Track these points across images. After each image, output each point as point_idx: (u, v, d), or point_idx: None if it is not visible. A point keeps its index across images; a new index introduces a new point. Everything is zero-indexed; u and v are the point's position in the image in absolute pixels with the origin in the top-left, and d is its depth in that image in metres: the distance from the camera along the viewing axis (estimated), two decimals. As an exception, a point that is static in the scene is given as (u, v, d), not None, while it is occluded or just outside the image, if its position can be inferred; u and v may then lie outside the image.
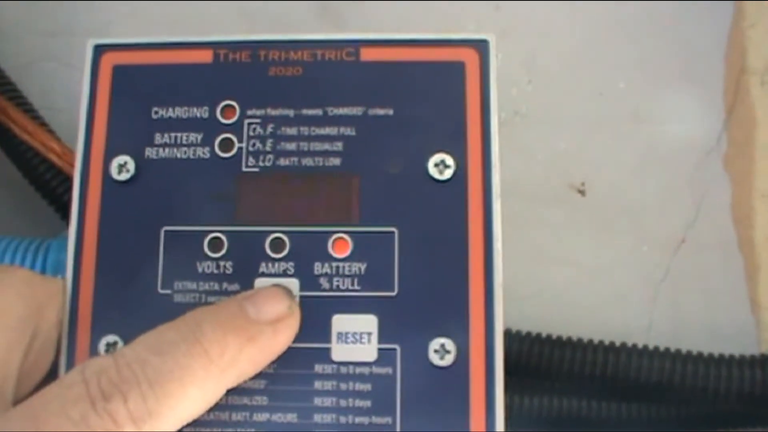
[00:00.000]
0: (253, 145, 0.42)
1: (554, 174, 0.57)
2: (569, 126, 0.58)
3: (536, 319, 0.52)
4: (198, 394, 0.36)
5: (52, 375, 0.40)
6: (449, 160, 0.41)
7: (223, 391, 0.37)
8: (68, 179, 0.51)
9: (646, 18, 0.59)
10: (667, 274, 0.56)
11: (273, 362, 0.40)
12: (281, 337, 0.39)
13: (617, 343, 0.50)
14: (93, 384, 0.34)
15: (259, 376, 0.40)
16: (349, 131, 0.42)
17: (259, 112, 0.43)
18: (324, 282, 0.41)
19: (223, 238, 0.41)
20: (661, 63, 0.59)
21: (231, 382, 0.38)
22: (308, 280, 0.41)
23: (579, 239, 0.56)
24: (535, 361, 0.50)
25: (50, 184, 0.52)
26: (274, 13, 0.59)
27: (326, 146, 0.42)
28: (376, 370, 0.40)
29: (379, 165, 0.42)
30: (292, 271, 0.41)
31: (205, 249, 0.41)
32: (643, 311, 0.56)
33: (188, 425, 0.37)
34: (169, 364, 0.35)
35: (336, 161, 0.42)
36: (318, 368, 0.40)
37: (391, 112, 0.42)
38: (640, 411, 0.51)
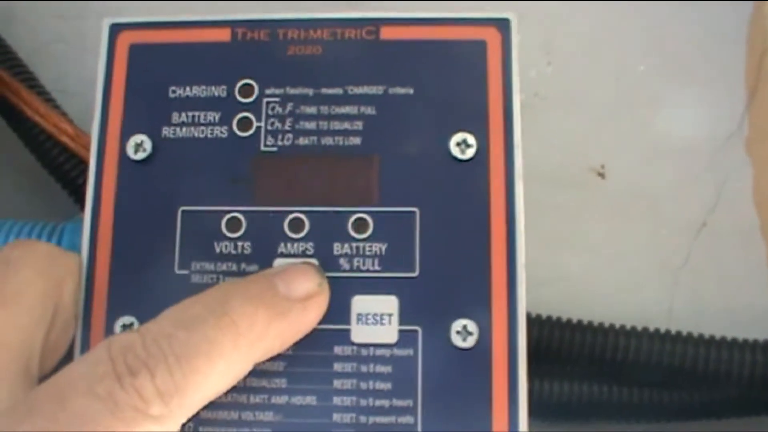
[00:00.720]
0: (272, 124, 0.42)
1: (573, 157, 0.57)
2: (589, 109, 0.57)
3: (554, 304, 0.51)
4: (225, 369, 0.35)
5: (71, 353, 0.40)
6: (471, 139, 0.41)
7: (250, 367, 0.37)
8: (81, 162, 0.51)
9: (664, 1, 0.58)
10: (687, 260, 0.55)
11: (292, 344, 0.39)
12: (311, 315, 0.38)
13: (639, 328, 0.50)
14: (119, 360, 0.33)
15: (277, 357, 0.39)
16: (369, 110, 0.42)
17: (278, 91, 0.42)
18: (344, 262, 0.40)
19: (242, 218, 0.41)
20: (681, 46, 0.58)
21: (258, 357, 0.37)
22: (328, 261, 0.40)
23: (597, 223, 0.56)
24: (556, 346, 0.49)
25: (63, 167, 0.51)
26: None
27: (346, 125, 0.42)
28: (396, 352, 0.39)
29: (399, 144, 0.41)
30: (311, 251, 0.40)
31: (223, 229, 0.41)
32: (662, 297, 0.55)
33: (206, 406, 0.36)
34: (196, 338, 0.34)
35: (356, 141, 0.41)
36: (337, 350, 0.40)
37: (411, 91, 0.42)
38: (661, 397, 0.50)
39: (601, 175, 0.56)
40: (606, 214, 0.56)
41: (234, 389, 0.38)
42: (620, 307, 0.54)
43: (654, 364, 0.49)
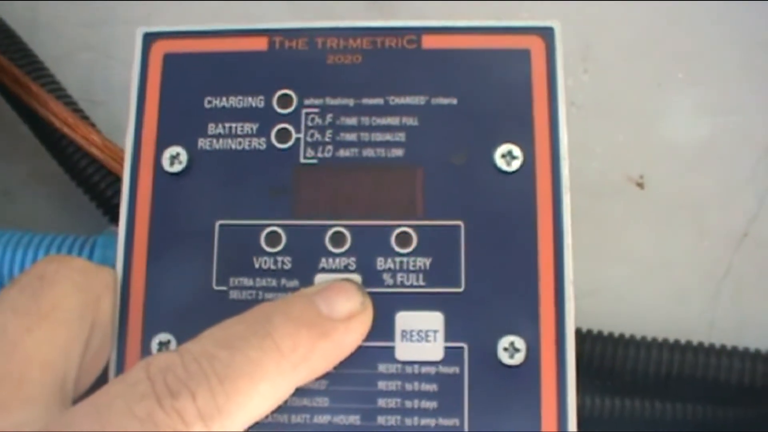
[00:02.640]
0: (312, 135, 0.41)
1: (612, 167, 0.56)
2: (626, 117, 0.56)
3: (595, 317, 0.50)
4: (269, 391, 0.34)
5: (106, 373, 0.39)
6: (516, 151, 0.40)
7: (293, 389, 0.36)
8: (110, 173, 0.50)
9: (705, 7, 0.58)
10: (729, 270, 0.54)
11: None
12: (354, 335, 0.37)
13: (682, 341, 0.49)
14: (159, 381, 0.32)
15: (319, 376, 0.38)
16: (411, 121, 0.41)
17: (317, 102, 0.41)
18: (387, 278, 0.39)
19: (281, 232, 0.40)
20: (720, 53, 0.57)
21: (302, 379, 0.36)
22: (371, 276, 0.39)
23: (638, 234, 0.55)
24: (598, 361, 0.48)
25: (92, 179, 0.50)
26: (322, 6, 0.58)
27: (388, 137, 0.40)
28: (442, 369, 0.38)
29: (443, 156, 0.40)
30: (353, 266, 0.39)
31: (262, 244, 0.40)
32: (704, 309, 0.54)
33: (249, 427, 0.35)
34: (239, 359, 0.33)
35: (398, 152, 0.40)
36: (381, 368, 0.38)
37: (454, 101, 0.41)
38: (705, 412, 0.49)
39: (640, 185, 0.55)
40: (646, 225, 0.55)
41: (275, 409, 0.37)
42: (662, 319, 0.53)
43: (697, 378, 0.48)
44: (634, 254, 0.55)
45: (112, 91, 0.58)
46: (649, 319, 0.53)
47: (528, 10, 0.57)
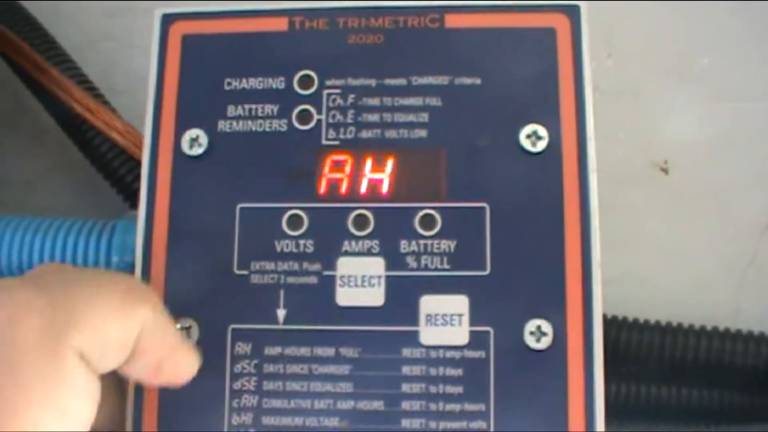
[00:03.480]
0: (333, 116, 0.40)
1: (636, 152, 0.55)
2: (650, 102, 0.56)
3: (619, 304, 0.49)
4: None
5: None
6: (542, 131, 0.39)
7: None
8: (131, 159, 0.49)
9: (729, -8, 0.57)
10: (755, 258, 0.53)
11: (358, 346, 0.38)
12: None
13: (708, 327, 0.48)
14: None
15: (343, 360, 0.38)
16: (434, 102, 0.40)
17: (338, 82, 0.40)
18: (411, 261, 0.39)
19: (303, 215, 0.39)
20: (744, 38, 0.57)
21: None
22: (394, 259, 0.39)
23: (662, 221, 0.54)
24: (623, 347, 0.47)
25: (113, 164, 0.50)
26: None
27: (411, 117, 0.40)
28: (467, 353, 0.38)
29: (467, 137, 0.40)
30: (377, 249, 0.39)
31: (284, 227, 0.39)
32: (729, 296, 0.53)
33: (268, 412, 0.36)
34: None
35: (422, 133, 0.40)
36: (406, 352, 0.38)
37: (478, 81, 0.40)
38: (732, 398, 0.48)
39: (665, 170, 0.54)
40: (671, 211, 0.54)
41: (297, 394, 0.37)
42: (687, 306, 0.52)
43: (726, 364, 0.47)
44: (659, 241, 0.54)
45: (134, 80, 0.57)
46: (674, 307, 0.52)
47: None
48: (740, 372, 0.47)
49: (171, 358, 0.35)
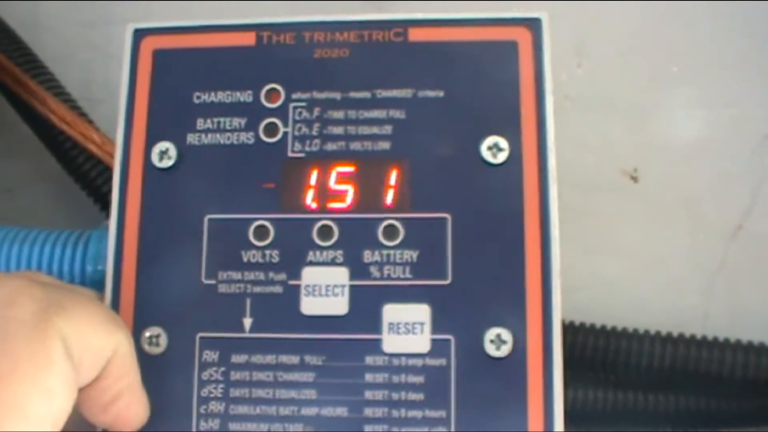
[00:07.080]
0: (299, 129, 0.41)
1: (606, 161, 0.56)
2: (620, 111, 0.56)
3: (589, 310, 0.50)
4: None
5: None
6: (503, 143, 0.40)
7: None
8: (108, 170, 0.50)
9: (698, 1, 0.57)
10: (724, 263, 0.54)
11: (322, 354, 0.39)
12: None
13: (674, 334, 0.49)
14: None
15: (308, 368, 0.38)
16: (398, 114, 0.41)
17: (304, 96, 0.41)
18: (374, 270, 0.39)
19: (269, 225, 0.40)
20: (715, 46, 0.57)
21: None
22: (358, 269, 0.39)
23: (632, 228, 0.55)
24: (590, 353, 0.48)
25: (89, 175, 0.51)
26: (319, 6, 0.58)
27: (375, 130, 0.41)
28: (429, 361, 0.38)
29: (429, 149, 0.40)
30: (341, 259, 0.40)
31: (251, 237, 0.40)
32: (698, 302, 0.54)
33: (233, 418, 0.37)
34: None
35: (385, 145, 0.40)
36: (369, 360, 0.39)
37: (441, 93, 0.41)
38: (698, 404, 0.49)
39: (634, 178, 0.55)
40: (641, 218, 0.55)
41: (263, 401, 0.38)
42: (656, 312, 0.53)
43: (691, 371, 0.48)
44: (629, 247, 0.55)
45: (112, 90, 0.57)
46: (643, 313, 0.52)
47: (523, 5, 0.57)
48: (706, 378, 0.48)
49: (127, 395, 0.37)
